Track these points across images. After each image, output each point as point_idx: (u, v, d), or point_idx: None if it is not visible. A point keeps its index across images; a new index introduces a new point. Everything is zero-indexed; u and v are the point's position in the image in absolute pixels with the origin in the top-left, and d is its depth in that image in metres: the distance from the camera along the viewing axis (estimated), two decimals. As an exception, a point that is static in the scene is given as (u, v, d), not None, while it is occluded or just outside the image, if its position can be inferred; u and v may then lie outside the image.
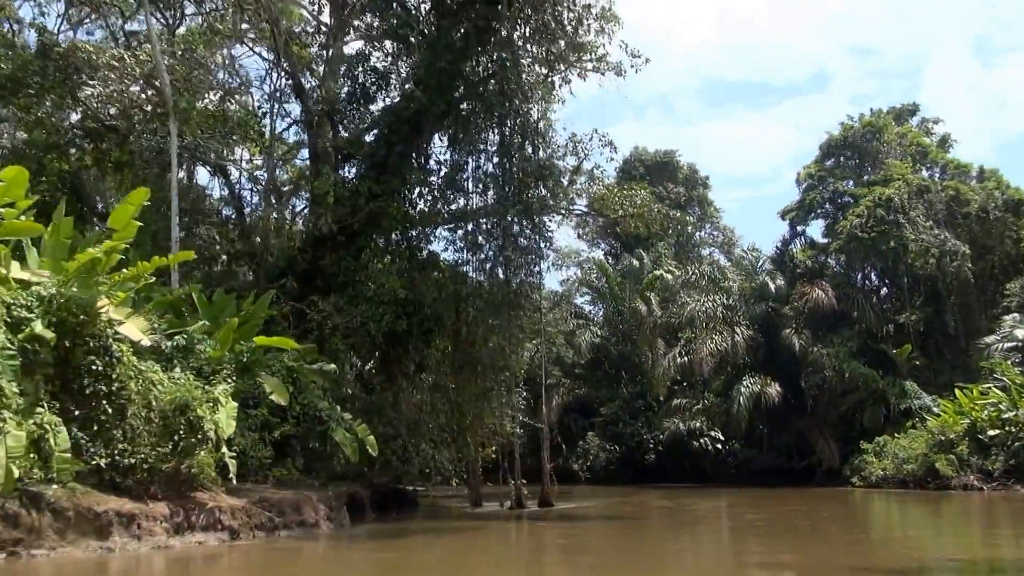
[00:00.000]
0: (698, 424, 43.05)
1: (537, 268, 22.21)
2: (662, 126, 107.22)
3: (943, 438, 29.58)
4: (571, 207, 31.68)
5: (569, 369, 49.66)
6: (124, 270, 12.95)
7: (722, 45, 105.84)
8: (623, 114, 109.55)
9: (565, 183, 30.37)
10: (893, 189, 38.50)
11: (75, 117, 22.26)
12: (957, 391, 30.81)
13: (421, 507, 23.54)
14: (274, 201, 25.77)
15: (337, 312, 19.99)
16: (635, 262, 50.48)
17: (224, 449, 12.42)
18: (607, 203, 30.35)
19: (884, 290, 41.58)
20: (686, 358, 40.28)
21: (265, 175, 24.89)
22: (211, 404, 12.86)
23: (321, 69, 24.97)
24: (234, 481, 12.47)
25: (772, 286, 40.33)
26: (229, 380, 13.79)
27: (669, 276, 45.95)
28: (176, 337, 13.87)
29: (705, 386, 43.92)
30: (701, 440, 43.58)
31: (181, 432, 12.09)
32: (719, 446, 43.41)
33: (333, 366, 17.15)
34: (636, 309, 46.16)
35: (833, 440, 36.59)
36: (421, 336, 22.45)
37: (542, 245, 22.38)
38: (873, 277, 40.60)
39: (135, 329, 11.92)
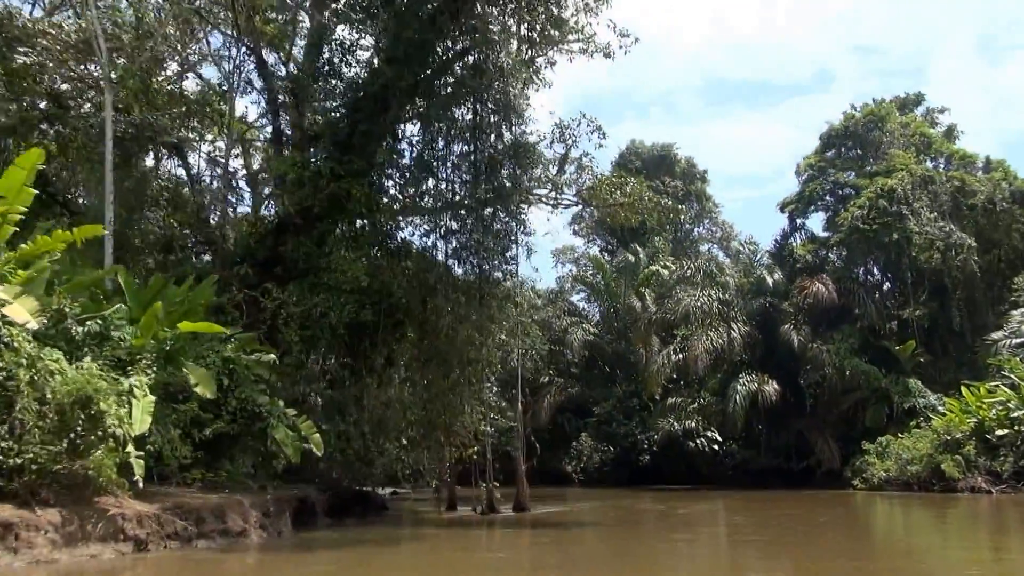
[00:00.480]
0: (694, 424, 41.65)
1: (512, 254, 20.62)
2: (663, 125, 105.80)
3: (949, 438, 28.05)
4: (559, 196, 30.26)
5: (564, 368, 48.15)
6: (24, 245, 11.48)
7: (723, 44, 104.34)
8: (624, 114, 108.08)
9: (553, 172, 28.98)
10: (896, 179, 36.93)
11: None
12: (963, 389, 29.41)
13: (390, 512, 21.95)
14: (235, 184, 24.30)
15: (293, 301, 18.44)
16: (631, 257, 48.99)
17: (131, 448, 10.90)
18: (596, 193, 28.87)
19: (887, 285, 39.97)
20: (681, 355, 38.71)
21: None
22: (121, 397, 11.35)
23: (287, 45, 23.44)
24: (141, 484, 10.93)
25: (770, 280, 38.75)
26: (148, 371, 12.28)
27: (665, 271, 44.40)
28: (88, 323, 12.34)
29: (701, 385, 42.42)
30: (697, 441, 42.18)
31: (79, 429, 10.59)
32: (716, 447, 42.04)
33: (272, 356, 15.51)
34: (631, 306, 44.64)
35: (833, 440, 35.02)
36: (389, 328, 20.91)
37: (517, 230, 20.80)
38: (875, 271, 38.97)
39: (23, 311, 10.40)
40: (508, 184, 20.15)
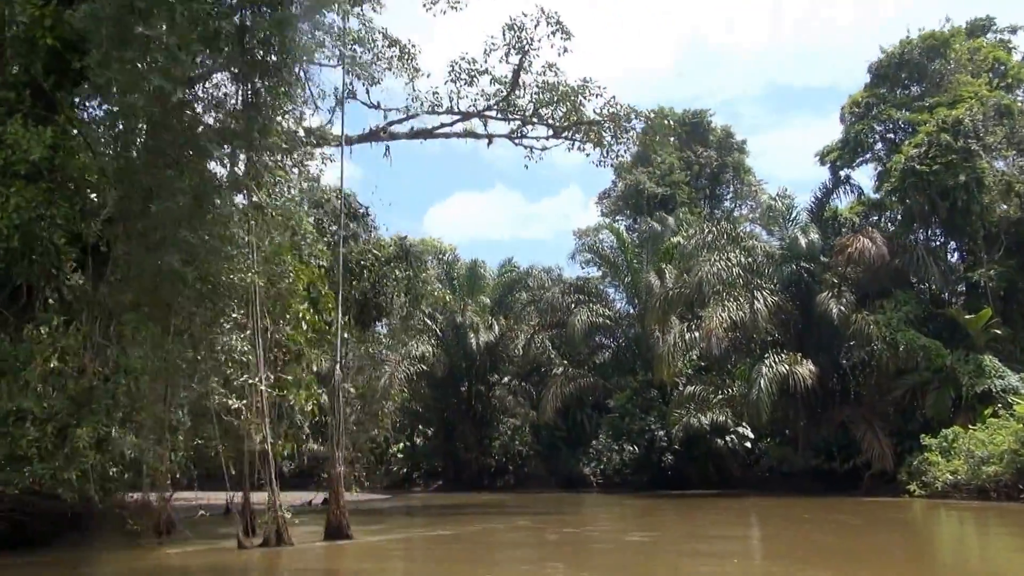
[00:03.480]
0: (722, 418, 35.01)
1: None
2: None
3: (1038, 429, 20.88)
4: (523, 129, 24.16)
5: (573, 355, 41.74)
6: None
7: (783, 50, 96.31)
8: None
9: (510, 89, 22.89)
10: (964, 110, 29.59)
11: None
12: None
13: (103, 533, 14.74)
14: None
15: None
16: (656, 226, 42.36)
17: None
18: (569, 114, 22.72)
19: (952, 241, 32.39)
20: (696, 333, 31.94)
21: None
22: None
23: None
24: None
25: (803, 241, 31.68)
26: None
27: (684, 240, 37.72)
28: None
29: (726, 371, 35.66)
30: (727, 438, 35.53)
31: None
32: (748, 445, 35.22)
33: None
34: (650, 283, 38.13)
35: (885, 434, 27.81)
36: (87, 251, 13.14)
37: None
38: (937, 223, 31.45)
39: None
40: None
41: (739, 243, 32.61)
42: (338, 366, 13.03)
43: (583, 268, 46.19)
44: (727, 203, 58.86)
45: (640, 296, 39.96)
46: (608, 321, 39.81)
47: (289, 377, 12.71)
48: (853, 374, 30.64)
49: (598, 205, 57.80)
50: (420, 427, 47.01)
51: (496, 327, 41.46)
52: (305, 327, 12.99)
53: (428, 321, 43.17)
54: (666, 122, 22.22)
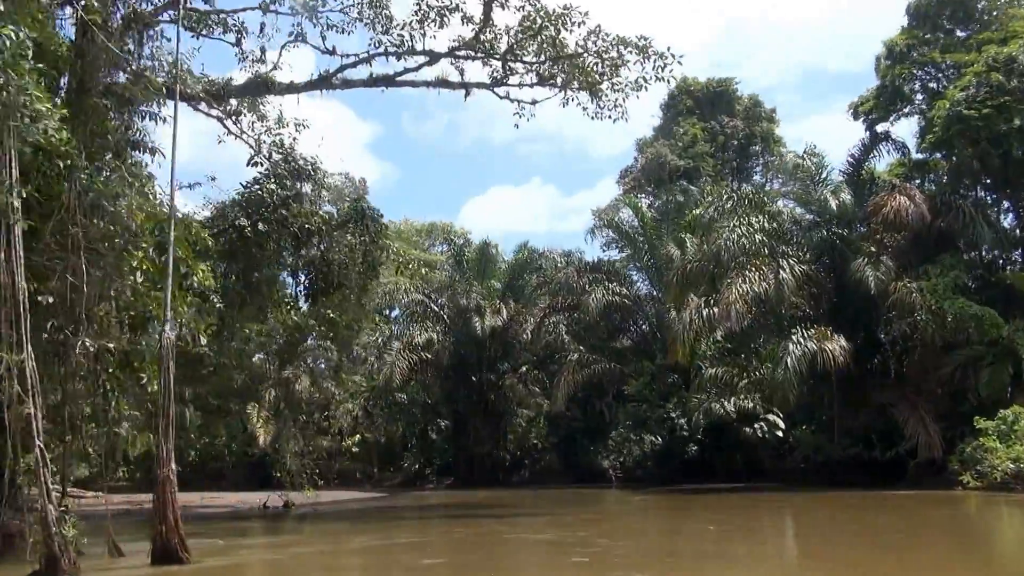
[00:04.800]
0: (750, 405, 31.77)
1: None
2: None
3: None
4: (504, 73, 21.21)
5: (589, 339, 38.64)
6: None
7: (820, 33, 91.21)
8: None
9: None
10: (1017, 47, 25.87)
11: None
12: None
13: None
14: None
15: None
16: (679, 196, 39.05)
17: None
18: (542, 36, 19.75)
19: (1005, 199, 28.58)
20: (714, 309, 28.67)
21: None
22: None
23: None
24: None
25: (834, 203, 28.19)
26: None
27: (704, 211, 34.44)
28: None
29: (753, 352, 32.40)
30: (756, 426, 32.26)
31: None
32: (780, 433, 31.89)
33: None
34: (670, 256, 34.98)
35: (932, 418, 24.31)
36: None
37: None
38: (987, 178, 27.71)
39: None
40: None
41: (763, 209, 29.24)
42: (166, 328, 10.06)
43: (604, 251, 43.00)
44: (757, 176, 54.83)
45: (661, 274, 36.79)
46: (627, 301, 36.63)
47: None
48: (894, 350, 27.09)
49: (619, 184, 54.32)
50: (437, 420, 44.57)
51: (504, 311, 38.61)
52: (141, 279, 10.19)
53: (434, 307, 40.70)
54: (666, 53, 18.88)
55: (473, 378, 40.66)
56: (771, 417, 31.99)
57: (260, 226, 17.81)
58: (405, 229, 53.99)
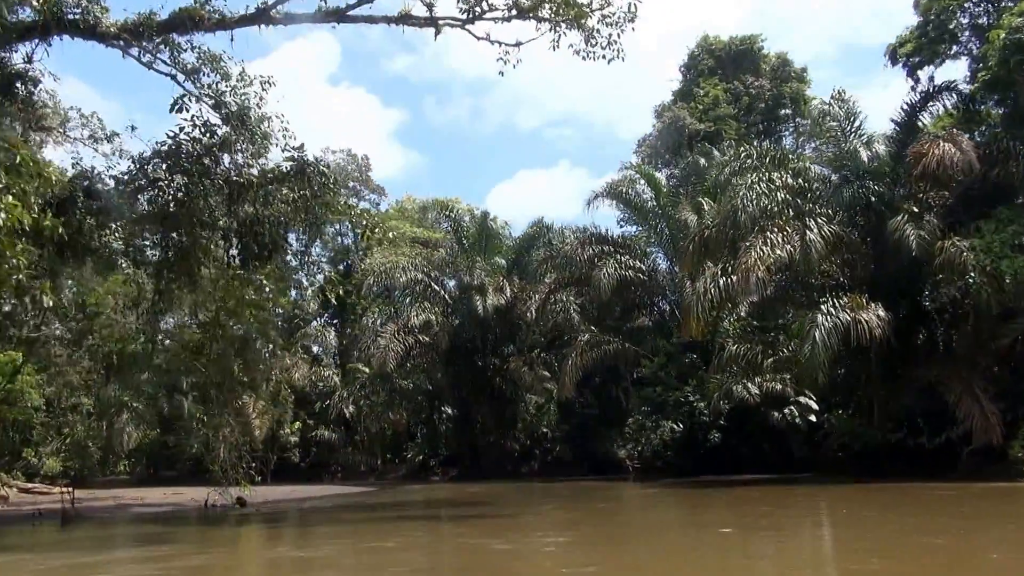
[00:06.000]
0: (778, 386, 28.63)
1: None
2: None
3: None
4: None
5: (601, 318, 35.47)
6: None
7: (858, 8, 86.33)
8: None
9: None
10: (1083, -36, 22.12)
11: None
12: None
13: None
14: None
15: None
16: (701, 160, 35.59)
17: None
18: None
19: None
20: (732, 277, 25.34)
21: None
22: None
23: None
24: None
25: (865, 155, 24.63)
26: None
27: (720, 172, 31.11)
28: None
29: (779, 327, 29.16)
30: (785, 410, 29.10)
31: None
32: (813, 418, 28.65)
33: None
34: (686, 222, 31.78)
35: (989, 398, 20.82)
36: None
37: None
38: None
39: None
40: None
41: (786, 165, 25.78)
42: None
43: (621, 227, 39.70)
44: (788, 142, 50.68)
45: (678, 246, 33.44)
46: (642, 276, 33.34)
47: None
48: (941, 320, 23.62)
49: (636, 153, 50.72)
50: (442, 408, 42.00)
51: (508, 289, 35.65)
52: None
53: (434, 285, 37.95)
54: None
55: (478, 362, 37.92)
56: (802, 400, 28.82)
57: (178, 178, 15.04)
58: (409, 207, 51.22)
